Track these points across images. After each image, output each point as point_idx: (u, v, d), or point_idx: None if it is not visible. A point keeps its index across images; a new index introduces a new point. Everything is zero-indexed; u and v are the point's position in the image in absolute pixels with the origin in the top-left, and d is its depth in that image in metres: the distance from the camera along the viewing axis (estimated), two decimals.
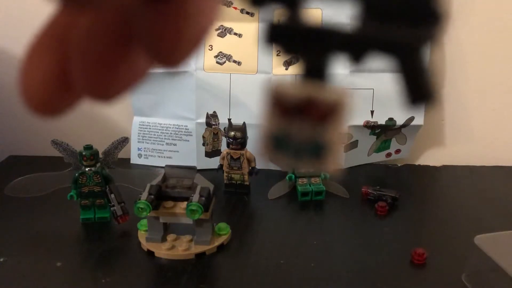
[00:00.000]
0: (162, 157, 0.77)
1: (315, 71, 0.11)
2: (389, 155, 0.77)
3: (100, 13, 0.12)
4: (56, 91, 0.13)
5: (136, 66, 0.13)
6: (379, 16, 0.10)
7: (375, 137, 0.75)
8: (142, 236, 0.54)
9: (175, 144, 0.76)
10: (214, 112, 0.74)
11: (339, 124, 0.12)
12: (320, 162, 0.12)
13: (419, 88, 0.11)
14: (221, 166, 0.67)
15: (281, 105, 0.12)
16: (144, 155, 0.78)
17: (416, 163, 0.80)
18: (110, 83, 0.12)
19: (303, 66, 0.12)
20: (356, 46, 0.11)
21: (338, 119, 0.12)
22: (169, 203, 0.52)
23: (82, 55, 0.12)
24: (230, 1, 0.72)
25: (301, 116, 0.12)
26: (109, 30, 0.12)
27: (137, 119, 0.78)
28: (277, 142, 0.12)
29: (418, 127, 0.74)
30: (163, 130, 0.77)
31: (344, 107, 0.12)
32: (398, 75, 0.11)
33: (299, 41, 0.11)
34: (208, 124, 0.74)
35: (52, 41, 0.13)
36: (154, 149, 0.78)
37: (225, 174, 0.66)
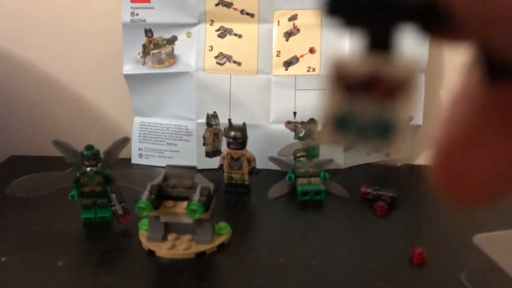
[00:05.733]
0: (162, 157, 0.77)
1: (380, 43, 0.10)
2: (388, 154, 0.78)
3: None
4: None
5: None
6: None
7: None
8: (142, 235, 0.54)
9: (176, 144, 0.77)
10: (215, 112, 0.74)
11: (408, 100, 0.11)
12: (387, 143, 0.11)
13: None
14: (221, 166, 0.67)
15: (344, 81, 0.11)
16: (145, 155, 0.78)
17: (415, 163, 0.80)
18: None
19: (367, 38, 0.10)
20: (425, 14, 0.10)
21: (407, 94, 0.11)
22: (170, 203, 0.52)
23: None
24: (230, 2, 0.72)
25: (366, 93, 0.11)
26: None
27: (138, 120, 0.78)
28: (339, 123, 0.11)
29: (417, 127, 0.74)
30: (163, 130, 0.77)
31: (413, 82, 0.11)
32: None
33: (363, 11, 0.10)
34: (208, 124, 0.74)
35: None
36: (154, 149, 0.78)
37: (225, 174, 0.67)
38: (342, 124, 0.11)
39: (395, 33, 0.10)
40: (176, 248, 0.52)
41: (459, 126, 0.11)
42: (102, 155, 0.59)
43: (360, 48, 0.11)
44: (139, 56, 0.75)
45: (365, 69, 0.10)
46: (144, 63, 0.75)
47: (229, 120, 0.70)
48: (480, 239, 0.45)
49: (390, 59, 0.10)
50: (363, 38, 0.11)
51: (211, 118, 0.74)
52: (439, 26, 0.10)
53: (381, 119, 0.11)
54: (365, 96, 0.11)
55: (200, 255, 0.52)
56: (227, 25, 0.73)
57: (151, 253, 0.52)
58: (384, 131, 0.11)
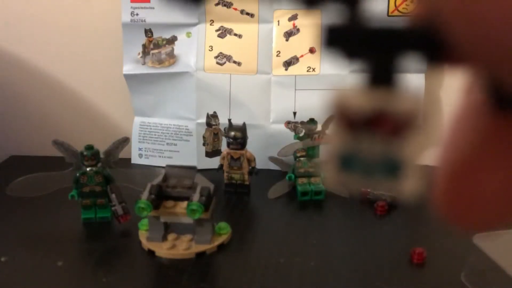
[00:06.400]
0: (162, 157, 0.77)
1: (383, 77, 0.10)
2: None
3: None
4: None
5: None
6: None
7: None
8: (142, 235, 0.54)
9: (176, 144, 0.77)
10: (214, 112, 0.74)
11: (415, 136, 0.10)
12: (396, 183, 0.11)
13: None
14: (221, 166, 0.67)
15: (348, 119, 0.10)
16: (145, 155, 0.78)
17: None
18: None
19: (369, 72, 0.10)
20: (430, 43, 0.10)
21: (413, 130, 0.10)
22: (170, 203, 0.52)
23: None
24: (230, 2, 0.72)
25: (371, 130, 0.10)
26: None
27: (137, 120, 0.78)
28: (345, 162, 0.11)
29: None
30: (163, 130, 0.77)
31: (419, 116, 0.10)
32: None
33: (364, 43, 0.10)
34: (208, 124, 0.74)
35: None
36: (154, 149, 0.78)
37: (225, 173, 0.67)
38: (348, 163, 0.11)
39: (397, 66, 0.10)
40: (176, 248, 0.52)
41: (463, 148, 0.11)
42: (102, 155, 0.59)
43: (362, 82, 0.10)
44: (139, 56, 0.75)
45: (369, 105, 0.10)
46: (144, 63, 0.75)
47: (229, 120, 0.70)
48: (480, 239, 0.46)
49: (393, 94, 0.10)
50: (365, 72, 0.10)
51: (211, 118, 0.74)
52: (441, 53, 0.10)
53: (388, 157, 0.11)
54: (370, 133, 0.10)
55: (200, 255, 0.52)
56: (227, 25, 0.73)
57: (151, 253, 0.52)
58: (391, 169, 0.11)
